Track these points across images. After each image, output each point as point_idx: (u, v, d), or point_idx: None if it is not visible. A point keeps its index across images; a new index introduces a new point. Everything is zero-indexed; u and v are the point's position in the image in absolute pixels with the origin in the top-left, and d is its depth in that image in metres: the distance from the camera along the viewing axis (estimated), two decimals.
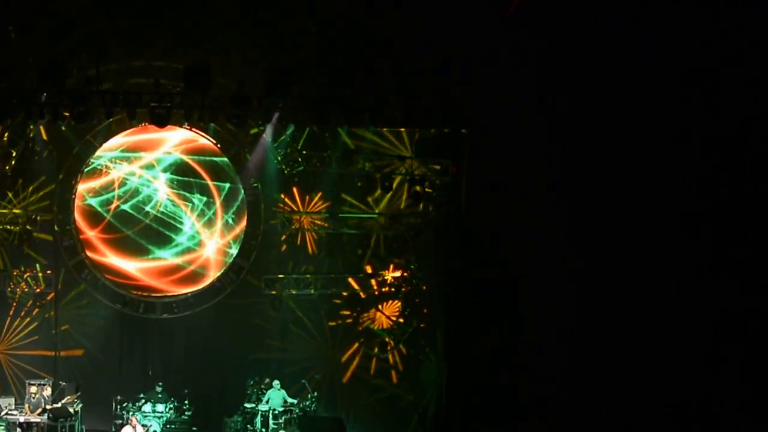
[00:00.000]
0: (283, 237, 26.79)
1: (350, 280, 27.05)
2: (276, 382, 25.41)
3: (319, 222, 26.72)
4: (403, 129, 26.13)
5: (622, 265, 21.29)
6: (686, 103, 18.47)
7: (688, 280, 18.79)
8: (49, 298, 26.21)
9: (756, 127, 17.05)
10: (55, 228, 26.11)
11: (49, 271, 26.19)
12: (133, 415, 24.06)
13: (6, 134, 25.16)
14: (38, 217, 25.89)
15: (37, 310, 26.22)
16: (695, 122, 18.39)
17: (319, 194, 26.58)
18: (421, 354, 26.75)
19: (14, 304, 26.22)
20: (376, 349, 27.04)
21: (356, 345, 27.09)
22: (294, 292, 26.86)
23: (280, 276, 26.78)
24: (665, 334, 19.64)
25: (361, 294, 26.99)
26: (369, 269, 27.07)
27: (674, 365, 19.37)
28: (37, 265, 26.20)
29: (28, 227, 25.86)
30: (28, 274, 26.12)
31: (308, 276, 26.92)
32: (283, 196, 26.61)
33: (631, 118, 20.70)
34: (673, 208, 19.23)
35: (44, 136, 25.41)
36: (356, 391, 26.90)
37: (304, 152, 26.24)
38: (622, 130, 20.99)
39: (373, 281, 27.00)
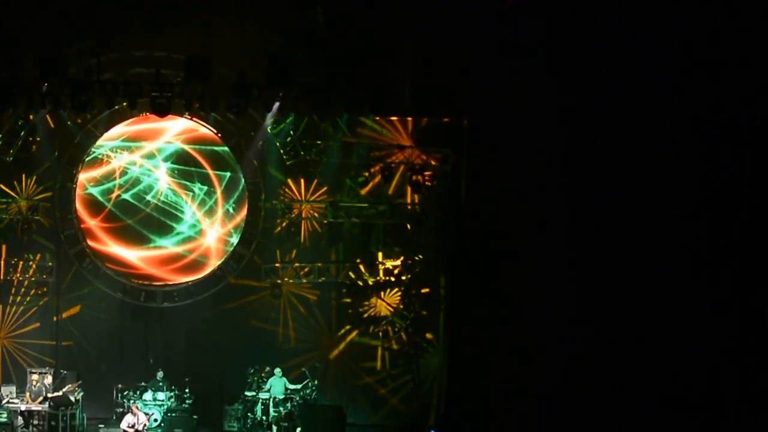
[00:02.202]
0: (284, 225, 26.85)
1: (350, 268, 27.09)
2: (278, 370, 25.51)
3: (319, 211, 26.73)
4: (401, 118, 26.16)
5: (622, 258, 21.35)
6: (688, 100, 18.47)
7: (688, 279, 18.84)
8: (49, 287, 26.27)
9: (758, 126, 17.06)
10: (57, 217, 26.15)
11: (50, 261, 26.25)
12: (134, 403, 24.17)
13: (8, 124, 25.19)
14: (39, 207, 25.93)
15: (38, 299, 26.30)
16: (697, 120, 18.40)
17: (320, 184, 26.59)
18: (422, 342, 26.88)
19: (15, 293, 26.30)
20: (378, 334, 27.09)
21: (356, 333, 27.15)
22: (294, 280, 26.91)
23: (281, 265, 26.84)
24: (665, 331, 19.72)
25: (362, 282, 27.02)
26: (369, 258, 27.09)
27: (674, 364, 19.45)
28: (39, 254, 26.27)
29: (29, 216, 25.92)
30: (29, 263, 26.18)
31: (308, 265, 26.96)
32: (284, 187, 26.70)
33: (632, 111, 20.71)
34: (674, 205, 19.27)
35: (46, 125, 25.41)
36: (356, 379, 26.99)
37: (304, 141, 26.25)
38: (623, 123, 21.02)
39: (373, 270, 27.04)
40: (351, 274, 27.05)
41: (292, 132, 26.09)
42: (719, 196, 18.05)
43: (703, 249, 18.52)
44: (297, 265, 26.88)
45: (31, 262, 26.21)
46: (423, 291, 26.84)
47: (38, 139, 25.49)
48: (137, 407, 23.74)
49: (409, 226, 26.63)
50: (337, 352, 27.04)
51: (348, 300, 27.03)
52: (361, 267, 27.02)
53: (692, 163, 18.49)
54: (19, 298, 26.36)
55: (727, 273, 18.01)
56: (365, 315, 27.05)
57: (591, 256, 21.47)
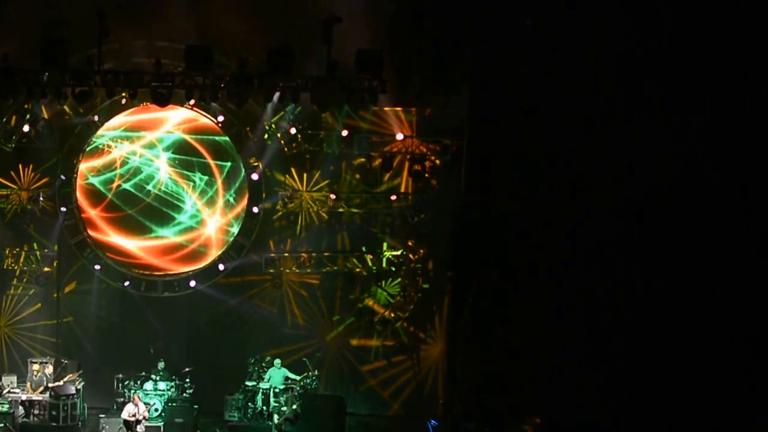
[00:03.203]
0: (284, 216, 26.86)
1: (351, 258, 27.09)
2: (277, 361, 25.51)
3: (319, 201, 26.74)
4: (402, 108, 26.17)
5: (623, 249, 21.45)
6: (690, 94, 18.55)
7: (690, 278, 18.95)
8: (50, 277, 26.29)
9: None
10: (57, 207, 26.15)
11: (50, 250, 26.25)
12: (135, 393, 24.18)
13: (8, 114, 25.21)
14: (40, 196, 25.93)
15: (38, 288, 26.31)
16: (700, 118, 18.48)
17: (320, 174, 26.59)
18: (422, 332, 26.91)
19: (16, 282, 26.33)
20: (378, 324, 27.11)
21: (356, 323, 27.17)
22: (294, 270, 26.92)
23: (281, 254, 26.85)
24: (663, 324, 19.83)
25: (362, 272, 27.04)
26: (370, 248, 27.11)
27: (672, 357, 19.57)
28: (39, 244, 26.29)
29: (30, 206, 25.94)
30: (29, 252, 26.21)
31: (308, 254, 26.96)
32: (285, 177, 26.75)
33: (632, 101, 20.81)
34: (673, 199, 19.36)
35: (46, 116, 25.43)
36: (357, 369, 27.03)
37: (306, 132, 26.25)
38: (620, 112, 21.11)
39: (373, 259, 27.05)
40: (353, 262, 27.04)
41: (292, 122, 26.06)
42: (721, 194, 18.15)
43: (706, 248, 18.61)
44: (297, 254, 26.87)
45: (31, 252, 26.23)
46: (423, 281, 26.85)
47: (38, 129, 25.49)
48: (139, 397, 23.75)
49: (409, 216, 26.64)
50: (337, 342, 27.05)
51: (348, 290, 27.02)
52: (362, 257, 27.01)
53: (694, 158, 18.58)
54: (20, 288, 26.40)
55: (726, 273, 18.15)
56: (365, 305, 27.08)
57: (591, 246, 21.55)
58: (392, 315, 26.93)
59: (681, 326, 20.27)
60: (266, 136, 26.31)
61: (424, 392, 26.72)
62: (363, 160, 26.62)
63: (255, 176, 26.51)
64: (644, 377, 21.25)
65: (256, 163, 26.49)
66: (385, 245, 27.01)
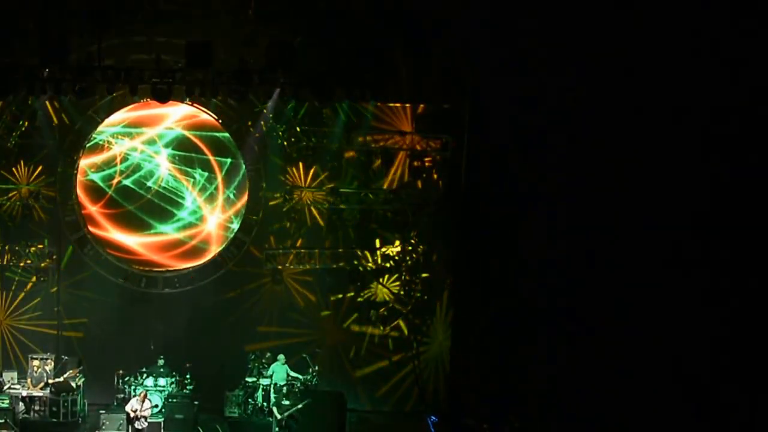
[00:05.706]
0: (284, 212, 26.85)
1: (351, 254, 27.09)
2: (281, 357, 25.54)
3: (320, 197, 26.74)
4: (402, 104, 26.16)
5: (620, 242, 21.47)
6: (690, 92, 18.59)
7: (680, 269, 18.96)
8: (51, 273, 26.29)
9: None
10: (58, 203, 26.16)
11: (51, 247, 26.24)
12: (144, 391, 23.99)
13: (9, 110, 25.21)
14: (41, 193, 25.94)
15: (39, 284, 26.31)
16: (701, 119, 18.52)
17: (320, 170, 26.58)
18: (422, 327, 26.92)
19: (17, 279, 26.34)
20: (376, 322, 27.13)
21: (356, 319, 27.17)
22: (295, 266, 26.94)
23: (281, 251, 26.86)
24: (660, 317, 19.86)
25: (363, 268, 27.03)
26: (370, 244, 27.10)
27: (670, 346, 19.59)
28: (40, 241, 26.28)
29: (30, 202, 25.95)
30: (30, 249, 26.20)
31: (309, 250, 26.97)
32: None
33: (633, 96, 20.82)
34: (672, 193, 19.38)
35: (47, 111, 25.43)
36: (357, 365, 27.05)
37: (304, 128, 26.26)
38: (621, 108, 21.14)
39: (374, 255, 27.05)
40: (351, 259, 27.04)
41: (292, 118, 26.07)
42: (717, 191, 18.19)
43: (698, 237, 18.67)
44: (297, 250, 26.87)
45: (32, 249, 26.22)
46: (423, 276, 26.85)
47: (39, 125, 25.49)
48: (145, 395, 23.65)
49: (409, 212, 26.64)
50: (337, 338, 27.06)
51: (348, 286, 27.02)
52: (362, 253, 27.02)
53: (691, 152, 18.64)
54: (19, 284, 26.38)
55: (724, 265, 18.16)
56: (366, 301, 27.07)
57: (590, 240, 21.59)
58: (392, 311, 26.92)
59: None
60: (266, 132, 26.29)
61: (424, 388, 26.73)
62: (363, 156, 26.61)
63: (256, 173, 26.50)
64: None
65: (256, 159, 26.47)
66: (394, 241, 26.96)
